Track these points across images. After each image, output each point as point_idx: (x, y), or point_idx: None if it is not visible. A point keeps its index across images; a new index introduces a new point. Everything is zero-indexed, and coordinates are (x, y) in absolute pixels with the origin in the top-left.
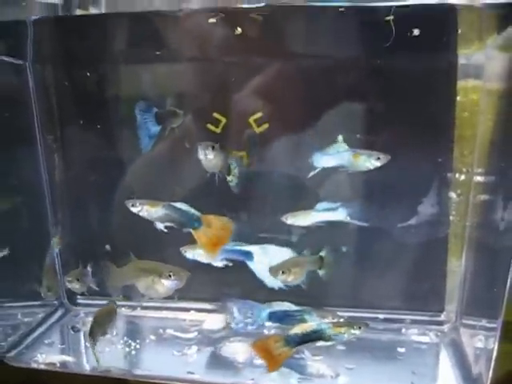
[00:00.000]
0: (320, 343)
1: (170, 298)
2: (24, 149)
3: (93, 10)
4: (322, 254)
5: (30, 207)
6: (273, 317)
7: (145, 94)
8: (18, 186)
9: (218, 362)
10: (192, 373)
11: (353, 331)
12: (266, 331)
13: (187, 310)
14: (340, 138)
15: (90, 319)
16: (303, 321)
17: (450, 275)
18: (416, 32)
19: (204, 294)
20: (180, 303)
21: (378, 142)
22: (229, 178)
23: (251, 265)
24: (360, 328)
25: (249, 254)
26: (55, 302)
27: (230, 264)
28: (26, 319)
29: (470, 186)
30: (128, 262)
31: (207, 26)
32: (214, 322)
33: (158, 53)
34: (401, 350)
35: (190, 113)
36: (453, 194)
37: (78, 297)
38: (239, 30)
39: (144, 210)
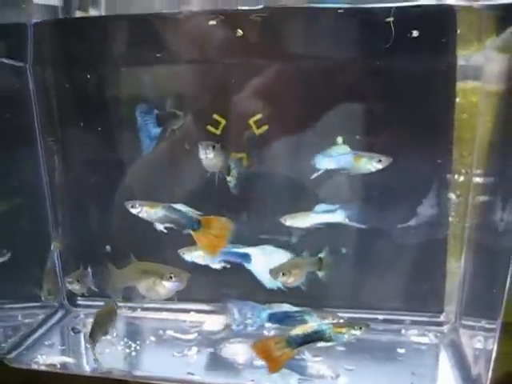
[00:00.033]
0: (320, 344)
1: (169, 299)
2: (24, 150)
3: (92, 12)
4: (322, 255)
5: (31, 209)
6: (273, 318)
7: (144, 95)
8: (18, 187)
9: (218, 363)
10: (192, 374)
11: (353, 332)
12: (265, 332)
13: (187, 311)
14: (339, 139)
15: (91, 320)
16: (303, 322)
17: (450, 276)
18: (415, 33)
19: (204, 296)
20: (180, 304)
21: (377, 143)
22: (228, 179)
23: (249, 267)
24: (361, 328)
25: (246, 256)
26: (55, 304)
27: (228, 266)
28: (26, 320)
29: (470, 187)
30: (128, 263)
31: (207, 28)
32: (214, 323)
33: (158, 55)
34: (400, 350)
35: (190, 114)
36: (452, 195)
37: (78, 298)
38: (239, 31)
39: (143, 211)
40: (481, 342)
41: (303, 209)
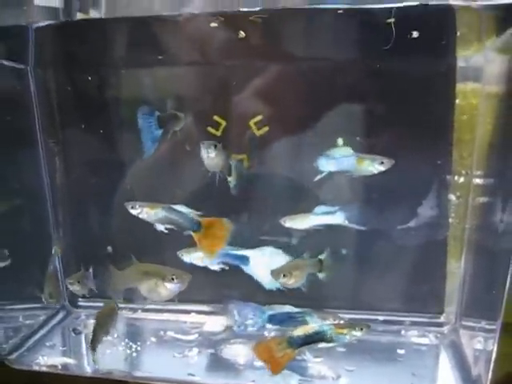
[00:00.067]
0: (321, 345)
1: (170, 300)
2: (25, 152)
3: (93, 14)
4: (322, 257)
5: (32, 210)
6: (274, 319)
7: (145, 97)
8: (19, 189)
9: (219, 364)
10: (193, 375)
11: (355, 333)
12: (266, 333)
13: (188, 312)
14: (340, 140)
15: (91, 321)
16: (304, 322)
17: (450, 277)
18: (415, 34)
19: (205, 296)
20: (181, 305)
21: (377, 144)
22: (229, 179)
23: (247, 270)
24: (362, 329)
25: (244, 259)
26: (56, 305)
27: (226, 268)
28: (27, 321)
29: (469, 188)
30: (130, 264)
31: (208, 30)
32: (214, 324)
33: (160, 57)
34: (401, 351)
35: (191, 116)
36: (452, 197)
37: (79, 299)
38: (239, 33)
39: (144, 212)
40: (481, 343)
41: (304, 210)
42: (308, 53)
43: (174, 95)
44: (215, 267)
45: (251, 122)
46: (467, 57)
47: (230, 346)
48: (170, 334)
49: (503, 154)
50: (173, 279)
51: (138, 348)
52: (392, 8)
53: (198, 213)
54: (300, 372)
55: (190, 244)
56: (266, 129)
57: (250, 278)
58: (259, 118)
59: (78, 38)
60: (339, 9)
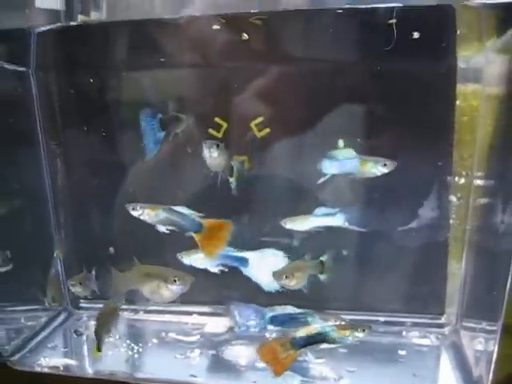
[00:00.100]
0: (323, 346)
1: (172, 301)
2: (27, 154)
3: (94, 16)
4: (323, 258)
5: (33, 211)
6: (275, 320)
7: (147, 99)
8: (21, 190)
9: (221, 365)
10: (194, 376)
11: (357, 334)
12: (268, 334)
13: (190, 313)
14: (341, 142)
15: (93, 323)
16: (306, 324)
17: (451, 278)
18: (416, 35)
19: (206, 298)
20: (182, 307)
21: (377, 145)
22: (231, 180)
23: (246, 272)
24: (364, 331)
25: (243, 260)
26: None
27: (226, 270)
28: (29, 323)
29: (470, 189)
30: (132, 266)
31: (209, 32)
32: (216, 325)
33: (162, 59)
34: (402, 352)
35: (192, 118)
36: (453, 198)
37: (81, 301)
38: (240, 35)
39: (145, 213)
40: (482, 344)
41: (304, 212)
42: (309, 54)
43: (176, 97)
44: (215, 269)
45: (252, 124)
46: (468, 58)
47: (231, 348)
48: (172, 335)
49: (504, 155)
50: (175, 281)
51: (140, 349)
52: (393, 8)
53: (200, 214)
54: (301, 373)
55: (192, 245)
56: (267, 130)
57: (251, 279)
58: (260, 119)
59: (79, 40)
60: (340, 9)
